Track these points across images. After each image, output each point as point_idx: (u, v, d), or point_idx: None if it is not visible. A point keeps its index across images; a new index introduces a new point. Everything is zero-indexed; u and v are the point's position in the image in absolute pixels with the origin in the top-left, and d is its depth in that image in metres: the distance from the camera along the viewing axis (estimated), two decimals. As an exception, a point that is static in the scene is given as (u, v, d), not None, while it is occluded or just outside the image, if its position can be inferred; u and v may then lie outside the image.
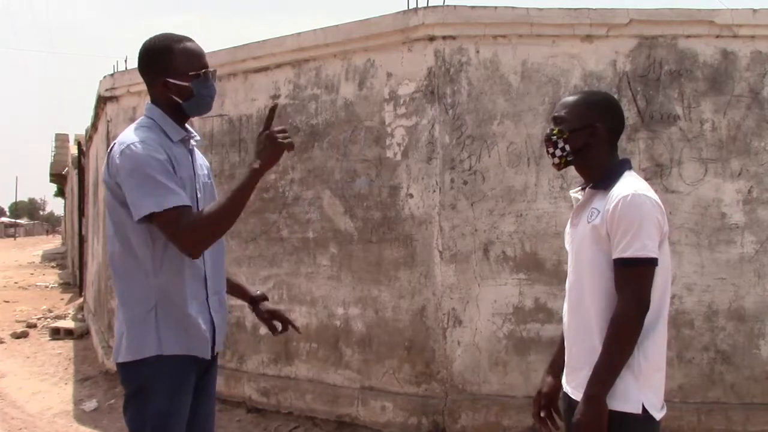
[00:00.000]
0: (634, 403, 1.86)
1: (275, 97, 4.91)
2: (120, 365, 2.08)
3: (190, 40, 2.14)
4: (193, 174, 2.16)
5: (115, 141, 2.08)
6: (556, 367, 2.19)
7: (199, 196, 2.15)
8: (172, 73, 2.08)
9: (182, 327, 2.06)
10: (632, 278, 1.87)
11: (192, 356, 2.09)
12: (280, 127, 2.11)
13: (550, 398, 2.19)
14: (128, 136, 2.04)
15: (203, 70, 2.11)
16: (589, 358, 1.96)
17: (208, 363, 2.20)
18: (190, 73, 2.09)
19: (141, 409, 2.04)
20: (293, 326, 2.44)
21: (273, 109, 2.14)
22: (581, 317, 2.01)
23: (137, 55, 2.17)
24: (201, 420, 2.19)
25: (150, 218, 1.96)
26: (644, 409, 1.87)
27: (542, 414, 2.20)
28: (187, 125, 2.20)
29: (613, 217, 1.90)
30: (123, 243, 2.05)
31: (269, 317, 2.43)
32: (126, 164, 1.97)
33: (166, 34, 2.17)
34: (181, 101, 2.11)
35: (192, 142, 2.21)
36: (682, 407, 3.96)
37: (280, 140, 2.08)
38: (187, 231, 1.97)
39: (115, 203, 2.04)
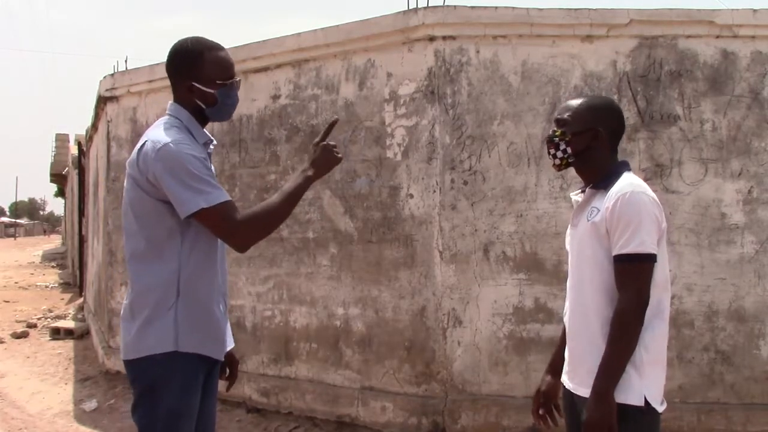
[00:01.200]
0: (636, 395, 1.90)
1: (276, 97, 4.92)
2: (130, 363, 2.09)
3: (222, 48, 2.18)
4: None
5: (145, 138, 2.09)
6: (555, 366, 2.24)
7: None
8: (199, 78, 2.12)
9: (203, 325, 2.08)
10: (632, 274, 1.91)
11: (203, 356, 2.10)
12: (333, 142, 2.24)
13: (548, 396, 2.24)
14: (161, 134, 2.06)
15: (230, 80, 2.15)
16: (589, 354, 1.99)
17: (212, 364, 2.21)
18: (217, 82, 2.13)
19: (151, 407, 2.04)
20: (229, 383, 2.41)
21: (333, 124, 2.27)
22: (582, 314, 2.05)
23: (167, 53, 2.18)
24: (203, 420, 2.20)
25: (196, 215, 2.00)
26: (646, 402, 1.90)
27: (541, 411, 2.25)
28: (205, 130, 2.23)
29: (612, 214, 1.94)
30: (149, 239, 2.07)
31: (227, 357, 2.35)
32: (167, 163, 1.99)
33: (199, 38, 2.18)
34: (204, 106, 2.14)
35: (210, 146, 2.25)
36: (682, 407, 3.96)
37: (336, 154, 2.22)
38: (242, 225, 2.03)
39: (145, 199, 2.05)
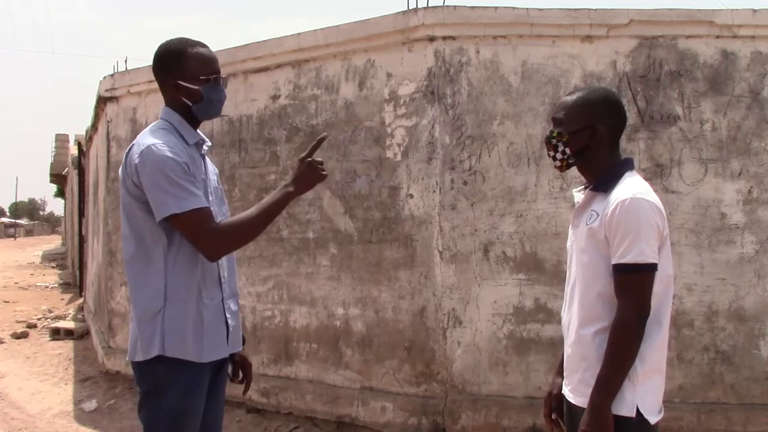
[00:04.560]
0: (628, 406, 1.85)
1: (276, 97, 4.92)
2: (135, 364, 2.11)
3: (204, 45, 2.20)
4: (205, 178, 2.19)
5: (133, 142, 2.13)
6: (564, 368, 2.15)
7: (210, 199, 2.17)
8: (183, 76, 2.14)
9: (189, 329, 2.08)
10: (631, 284, 1.85)
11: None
12: (320, 159, 2.20)
13: (560, 399, 2.15)
14: (147, 137, 2.09)
15: (214, 76, 2.16)
16: (582, 362, 1.95)
17: (220, 364, 2.21)
18: (201, 78, 2.14)
19: (155, 407, 2.06)
20: (246, 386, 2.39)
21: (321, 140, 2.24)
22: (576, 321, 1.99)
23: (153, 57, 2.22)
24: (210, 418, 2.21)
25: (170, 219, 2.00)
26: (638, 413, 1.85)
27: (553, 416, 2.17)
28: (199, 131, 2.24)
29: (611, 222, 1.87)
30: (138, 242, 2.09)
31: (240, 360, 2.36)
32: (146, 165, 2.01)
33: (181, 38, 2.22)
34: (190, 104, 2.15)
35: (204, 147, 2.25)
36: (682, 407, 3.96)
37: (321, 171, 2.18)
38: (212, 235, 2.03)
39: (132, 202, 2.08)
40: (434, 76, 4.23)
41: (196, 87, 2.13)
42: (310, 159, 2.18)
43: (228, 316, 2.18)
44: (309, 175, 2.18)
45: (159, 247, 2.06)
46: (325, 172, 2.20)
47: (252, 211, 2.11)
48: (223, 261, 2.18)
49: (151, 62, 2.24)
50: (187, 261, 2.08)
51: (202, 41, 2.21)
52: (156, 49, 2.20)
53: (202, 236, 2.02)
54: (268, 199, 2.14)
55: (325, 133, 2.32)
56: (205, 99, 2.15)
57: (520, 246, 4.15)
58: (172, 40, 2.21)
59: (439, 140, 4.21)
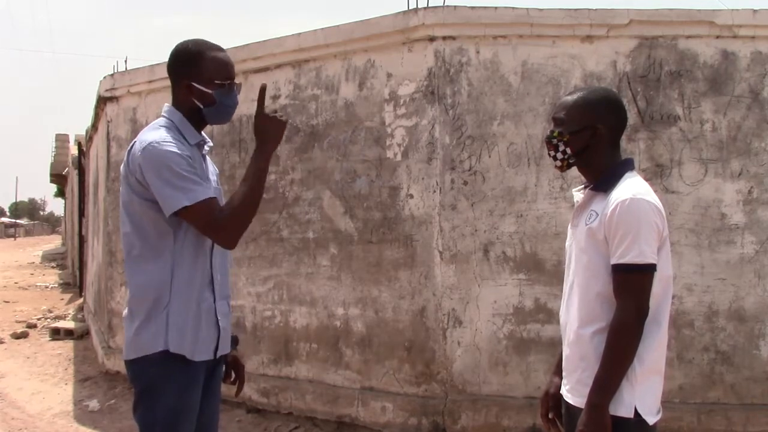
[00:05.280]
0: (626, 407, 1.85)
1: (276, 97, 4.92)
2: (129, 363, 2.10)
3: (221, 50, 2.20)
4: (206, 178, 2.19)
5: (135, 139, 2.13)
6: (562, 368, 2.15)
7: None
8: (198, 77, 2.13)
9: (190, 326, 2.08)
10: (630, 285, 1.85)
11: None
12: (271, 107, 2.19)
13: (557, 399, 2.15)
14: (149, 134, 2.09)
15: (228, 81, 2.16)
16: (580, 362, 1.95)
17: (215, 363, 2.21)
18: (216, 82, 2.14)
19: (150, 406, 2.05)
20: (238, 388, 2.38)
21: (263, 90, 2.20)
22: (575, 321, 2.00)
23: (169, 55, 2.21)
24: (206, 419, 2.20)
25: (180, 212, 2.00)
26: (637, 413, 1.85)
27: (550, 415, 2.17)
28: (202, 132, 2.24)
29: (611, 222, 1.87)
30: (142, 240, 2.08)
31: (232, 362, 2.36)
32: (151, 161, 2.01)
33: (200, 39, 2.21)
34: (201, 106, 2.15)
35: (205, 147, 2.26)
36: (682, 407, 3.96)
37: (279, 118, 2.18)
38: (225, 222, 2.03)
39: (135, 199, 2.07)
40: (434, 76, 4.23)
41: (209, 90, 2.13)
42: (264, 113, 2.17)
43: (219, 317, 2.17)
44: (269, 126, 2.16)
45: (165, 243, 2.06)
46: (284, 118, 2.19)
47: (244, 187, 2.09)
48: (216, 262, 2.18)
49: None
50: (189, 259, 2.09)
51: (220, 45, 2.20)
52: (174, 47, 2.20)
53: (214, 225, 2.03)
54: (250, 168, 2.12)
55: (264, 83, 2.29)
56: (218, 103, 2.15)
57: (520, 246, 4.15)
58: (190, 40, 2.21)
59: (439, 140, 4.21)
